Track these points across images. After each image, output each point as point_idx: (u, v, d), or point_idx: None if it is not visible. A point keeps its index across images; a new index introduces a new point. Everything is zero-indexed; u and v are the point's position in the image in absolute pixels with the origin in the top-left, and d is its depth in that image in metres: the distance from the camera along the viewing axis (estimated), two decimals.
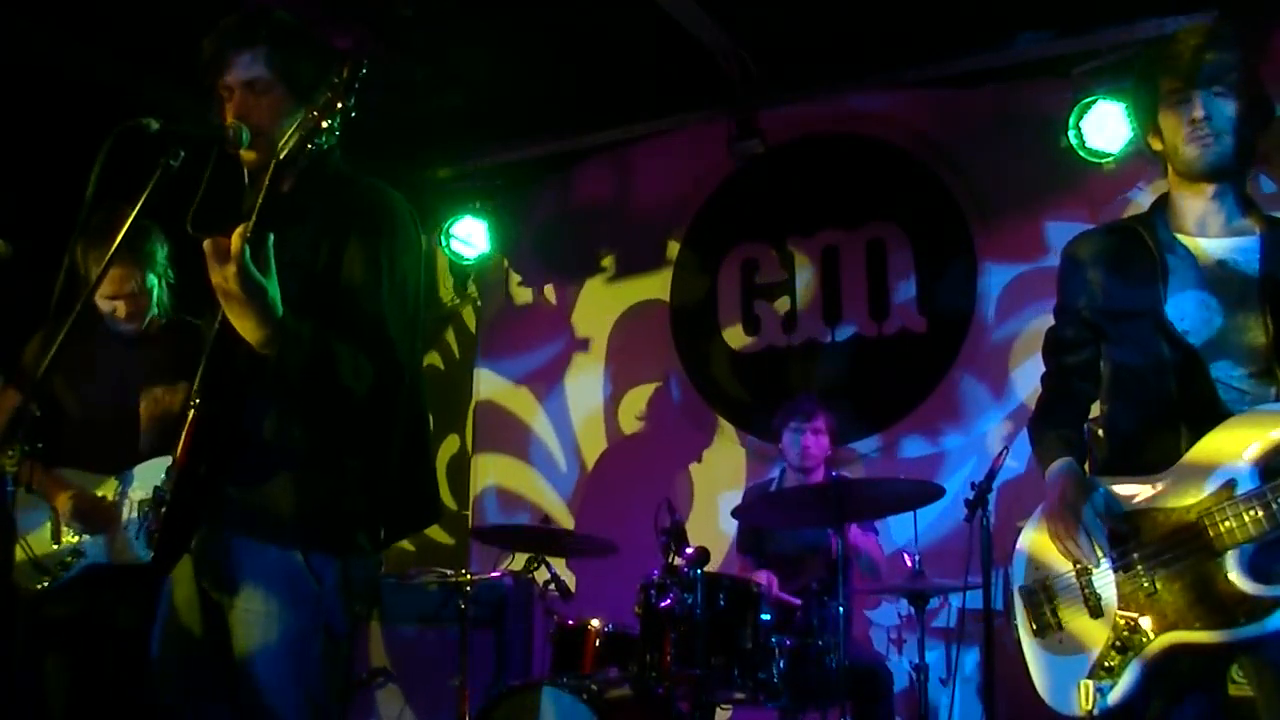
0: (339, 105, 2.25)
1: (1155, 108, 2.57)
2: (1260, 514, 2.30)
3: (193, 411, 2.31)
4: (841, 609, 3.99)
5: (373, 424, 2.39)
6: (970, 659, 4.94)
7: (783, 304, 6.05)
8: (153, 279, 3.85)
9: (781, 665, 3.93)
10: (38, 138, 4.78)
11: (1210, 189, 2.56)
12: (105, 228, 2.47)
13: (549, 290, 6.63)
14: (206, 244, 2.12)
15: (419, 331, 2.52)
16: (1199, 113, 2.48)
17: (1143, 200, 5.09)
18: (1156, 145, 2.62)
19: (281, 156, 2.26)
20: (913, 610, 4.47)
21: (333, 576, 2.35)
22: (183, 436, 2.30)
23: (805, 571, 4.68)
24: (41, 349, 3.59)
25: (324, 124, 2.25)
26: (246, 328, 2.17)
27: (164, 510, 2.31)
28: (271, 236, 2.15)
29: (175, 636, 2.41)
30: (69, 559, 3.73)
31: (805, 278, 6.01)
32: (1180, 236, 2.58)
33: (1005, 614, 2.74)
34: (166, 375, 3.91)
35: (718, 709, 4.25)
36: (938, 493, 4.19)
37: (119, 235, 2.38)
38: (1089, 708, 2.41)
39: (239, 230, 2.11)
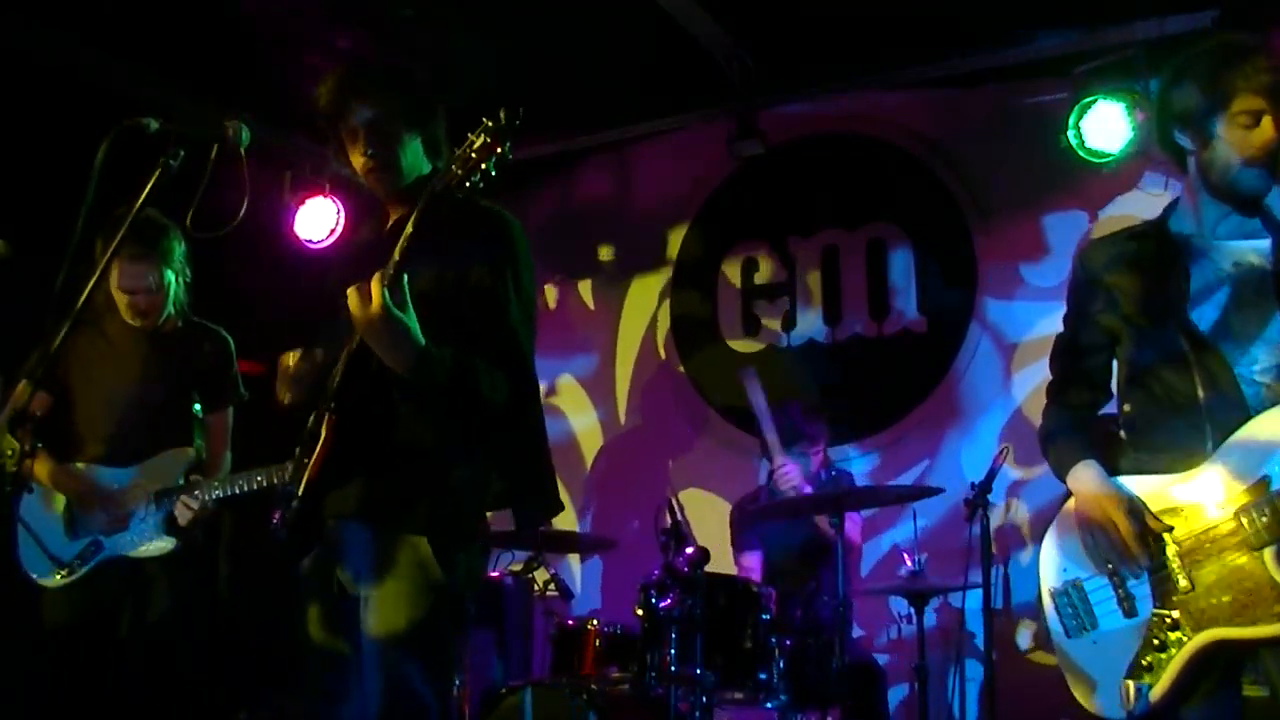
0: (498, 150, 2.32)
1: (1212, 113, 2.49)
2: None
3: (329, 415, 2.45)
4: (841, 609, 3.99)
5: (504, 428, 2.57)
6: (969, 659, 4.94)
7: (783, 304, 6.05)
8: (170, 274, 3.88)
9: (781, 665, 3.93)
10: (38, 138, 4.78)
11: (1233, 202, 2.55)
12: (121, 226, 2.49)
13: (549, 290, 6.63)
14: (350, 291, 2.33)
15: (533, 342, 2.68)
16: (1276, 143, 2.44)
17: (1142, 200, 5.10)
18: (1190, 144, 2.56)
19: (438, 190, 2.37)
20: (912, 610, 4.47)
21: (457, 568, 2.50)
22: (321, 439, 2.45)
23: (802, 570, 4.68)
24: (49, 345, 3.60)
25: (482, 166, 2.33)
26: (392, 361, 2.38)
27: (294, 506, 2.45)
28: (406, 276, 2.34)
29: (316, 635, 2.57)
30: (86, 552, 3.75)
31: (805, 278, 6.01)
32: (1196, 240, 2.57)
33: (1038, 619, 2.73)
34: (180, 375, 3.94)
35: (717, 709, 4.25)
36: (936, 494, 4.20)
37: (121, 229, 2.39)
38: (1130, 708, 2.40)
39: (378, 275, 2.31)
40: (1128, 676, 2.45)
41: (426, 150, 2.70)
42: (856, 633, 5.08)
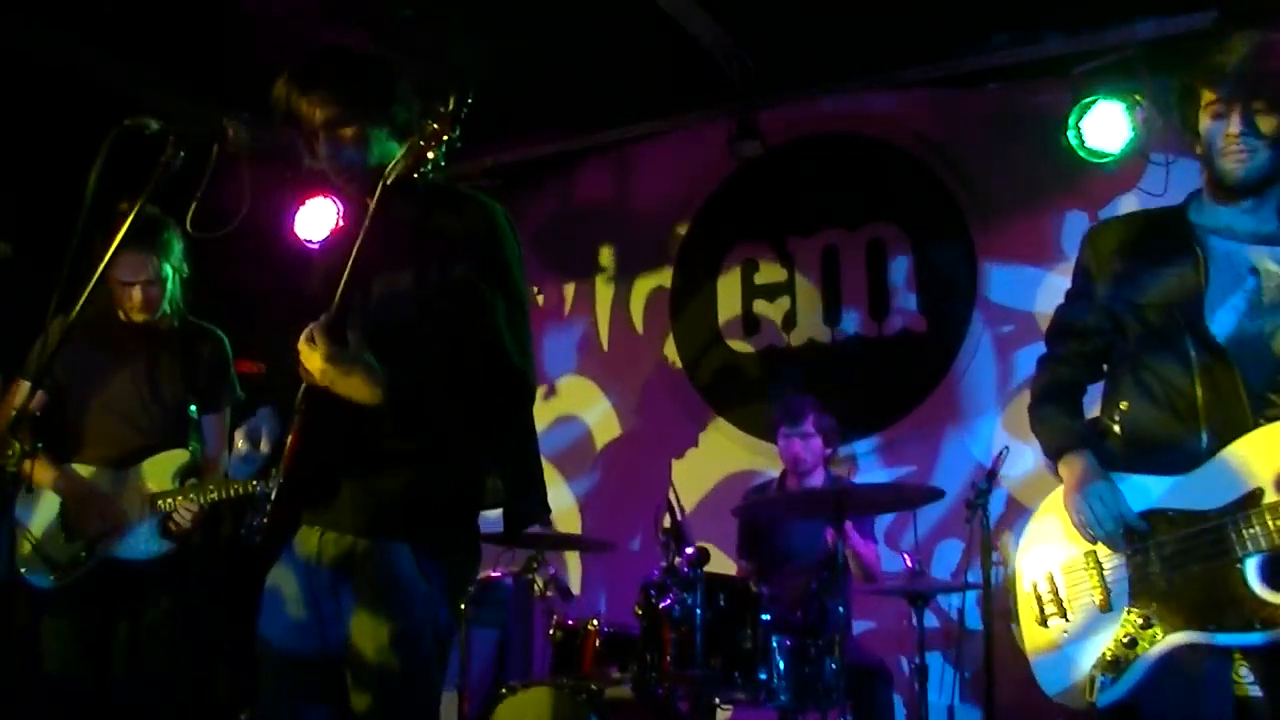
0: (445, 136, 2.26)
1: (1193, 111, 2.55)
2: None
3: (299, 416, 2.35)
4: (841, 609, 3.99)
5: (489, 431, 2.46)
6: (970, 659, 4.94)
7: (783, 304, 6.05)
8: (168, 268, 3.87)
9: (781, 665, 3.93)
10: (38, 138, 4.78)
11: (1246, 202, 2.55)
12: (122, 224, 2.49)
13: (549, 290, 6.63)
14: (300, 343, 2.24)
15: (528, 335, 2.56)
16: (1235, 128, 2.47)
17: (1142, 200, 5.10)
18: (1198, 150, 2.59)
19: (389, 182, 2.29)
20: (912, 610, 4.47)
21: (441, 575, 2.40)
22: (290, 439, 2.36)
23: (804, 571, 4.68)
24: (49, 345, 3.60)
25: (429, 155, 2.27)
26: (352, 396, 2.27)
27: (269, 507, 2.37)
28: (355, 308, 2.24)
29: (280, 635, 2.45)
30: (82, 555, 3.74)
31: (805, 278, 6.01)
32: (1217, 238, 2.57)
33: (1010, 602, 2.73)
34: (176, 376, 3.93)
35: (718, 709, 4.25)
36: (937, 495, 4.19)
37: (124, 224, 2.39)
38: (1091, 699, 2.41)
39: (321, 323, 2.21)
40: (1094, 669, 2.46)
41: (395, 136, 2.53)
42: (857, 633, 5.08)
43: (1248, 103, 2.46)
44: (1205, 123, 2.52)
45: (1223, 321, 2.49)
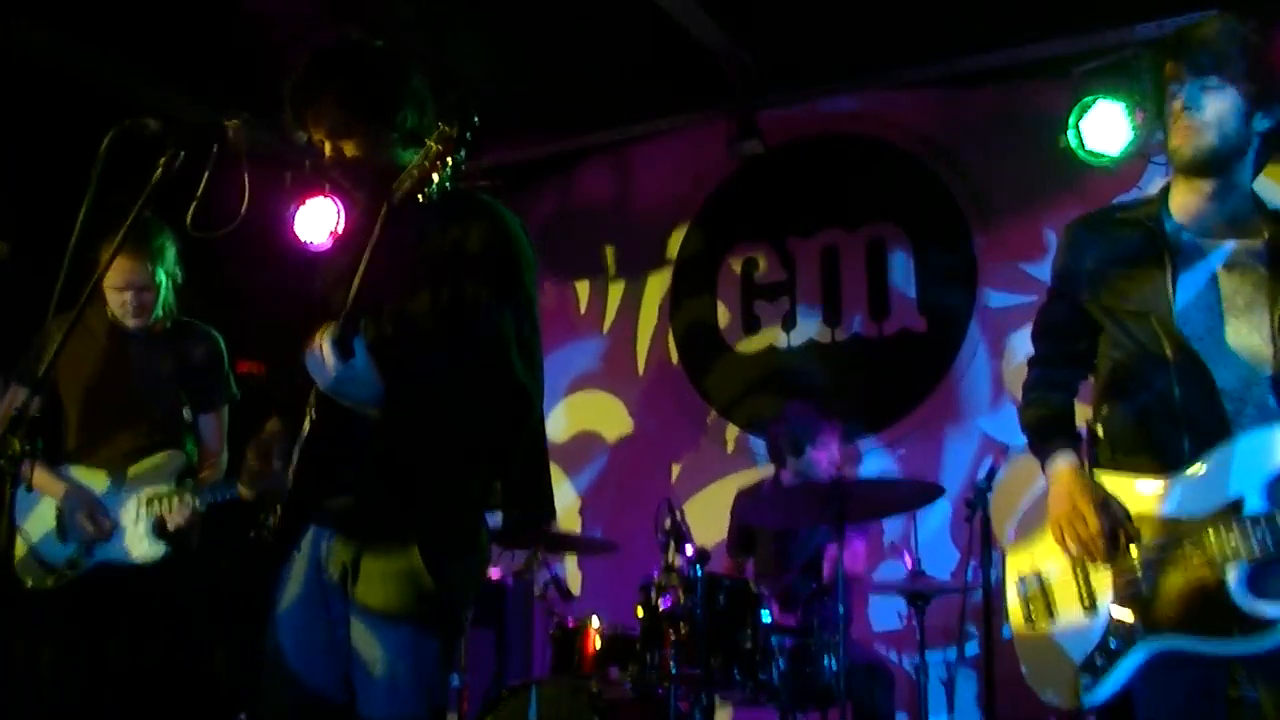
0: (449, 158, 2.24)
1: (1161, 102, 2.51)
2: (1266, 534, 2.29)
3: (308, 423, 2.36)
4: (841, 609, 3.99)
5: (493, 442, 2.47)
6: (970, 659, 4.94)
7: (783, 304, 6.05)
8: (161, 274, 3.85)
9: (781, 665, 3.93)
10: (37, 138, 4.78)
11: (1208, 185, 2.49)
12: (120, 225, 2.49)
13: (549, 290, 6.63)
14: (310, 346, 2.22)
15: (537, 348, 2.59)
16: (1179, 103, 2.44)
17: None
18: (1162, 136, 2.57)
19: (394, 201, 2.27)
20: (912, 610, 4.47)
21: (449, 576, 2.40)
22: (300, 444, 2.36)
23: (802, 570, 4.68)
24: (46, 345, 3.59)
25: (435, 175, 2.25)
26: (359, 408, 2.28)
27: (279, 508, 2.39)
28: (363, 322, 2.24)
29: (289, 653, 2.44)
30: (77, 558, 3.73)
31: (805, 278, 6.01)
32: (1186, 234, 2.53)
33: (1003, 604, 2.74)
34: (170, 376, 3.92)
35: (718, 709, 4.25)
36: (937, 493, 4.19)
37: (124, 227, 2.39)
38: (1076, 702, 2.42)
39: (328, 329, 2.19)
40: (1079, 671, 2.46)
41: (403, 141, 2.53)
42: (857, 633, 5.08)
43: (1199, 79, 2.43)
44: (1166, 106, 2.49)
45: (1194, 322, 2.45)
